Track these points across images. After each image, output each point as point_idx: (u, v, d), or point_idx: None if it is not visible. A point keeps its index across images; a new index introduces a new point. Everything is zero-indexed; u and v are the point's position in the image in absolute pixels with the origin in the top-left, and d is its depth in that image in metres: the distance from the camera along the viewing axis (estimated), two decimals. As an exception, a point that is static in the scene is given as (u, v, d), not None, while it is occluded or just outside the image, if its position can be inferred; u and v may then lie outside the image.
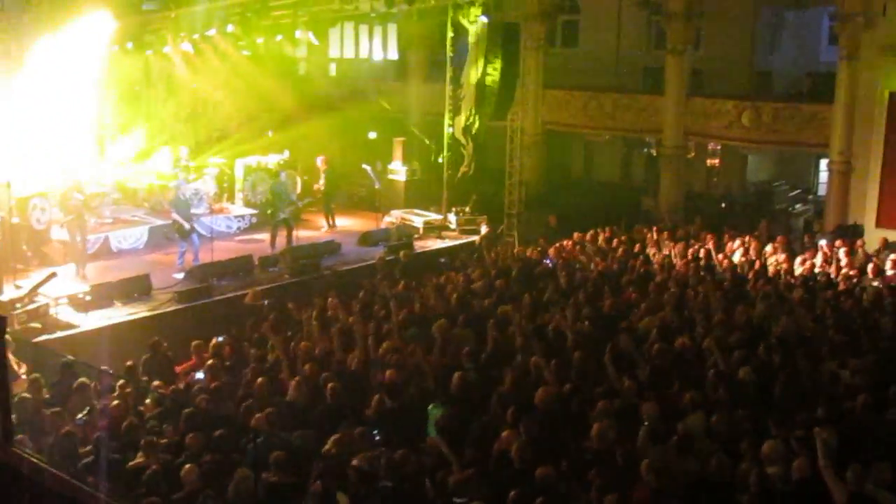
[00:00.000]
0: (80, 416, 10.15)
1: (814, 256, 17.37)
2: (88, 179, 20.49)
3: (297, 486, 8.04)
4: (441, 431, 8.77)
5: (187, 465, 8.14)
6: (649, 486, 7.68)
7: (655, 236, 19.38)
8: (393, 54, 33.08)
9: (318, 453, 8.43)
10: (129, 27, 20.54)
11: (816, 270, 16.49)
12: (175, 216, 18.20)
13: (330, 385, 10.05)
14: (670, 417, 9.05)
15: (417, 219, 22.76)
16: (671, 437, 8.56)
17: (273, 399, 10.16)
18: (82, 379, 10.70)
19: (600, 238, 19.33)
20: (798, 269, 16.64)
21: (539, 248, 18.81)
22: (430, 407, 9.56)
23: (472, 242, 21.43)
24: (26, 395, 10.35)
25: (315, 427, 9.31)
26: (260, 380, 10.52)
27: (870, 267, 16.19)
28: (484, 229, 22.39)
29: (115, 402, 10.09)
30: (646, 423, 8.73)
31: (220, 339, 12.94)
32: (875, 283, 15.46)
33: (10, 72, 18.86)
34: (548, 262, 17.57)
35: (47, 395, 10.79)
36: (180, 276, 17.57)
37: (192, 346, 12.36)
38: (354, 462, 8.07)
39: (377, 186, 22.94)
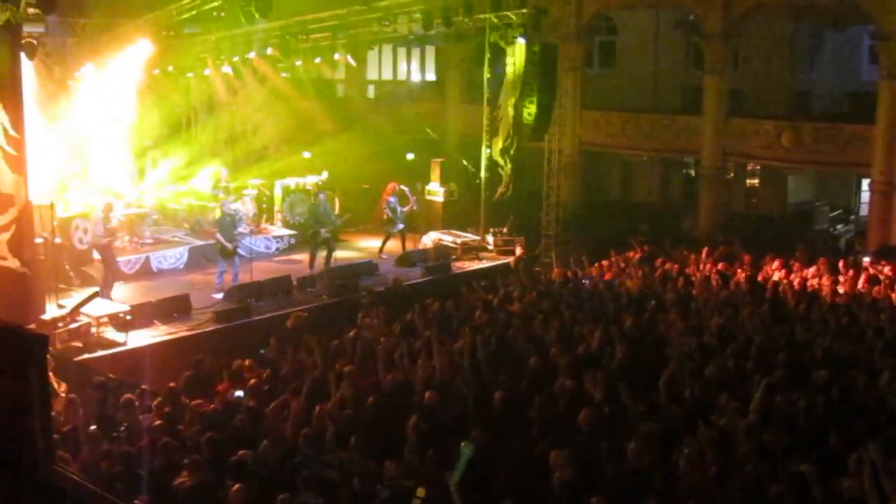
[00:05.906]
0: (116, 433, 10.16)
1: (856, 277, 17.10)
2: (130, 201, 20.76)
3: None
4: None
5: (235, 486, 8.12)
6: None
7: (695, 257, 19.16)
8: (431, 76, 33.28)
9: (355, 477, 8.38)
10: (170, 51, 20.80)
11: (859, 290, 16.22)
12: (218, 236, 18.32)
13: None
14: (717, 442, 8.90)
15: (455, 240, 22.76)
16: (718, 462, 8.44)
17: (311, 420, 10.12)
18: (128, 395, 10.73)
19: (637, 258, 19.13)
20: (840, 291, 16.38)
21: (577, 269, 18.68)
22: (462, 445, 9.07)
23: (509, 264, 21.35)
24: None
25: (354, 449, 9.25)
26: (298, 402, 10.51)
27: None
28: (518, 251, 22.31)
29: (157, 421, 10.11)
30: (686, 451, 8.56)
31: (262, 351, 13.03)
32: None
33: (53, 95, 19.15)
34: (585, 281, 17.45)
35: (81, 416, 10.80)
36: (219, 296, 17.67)
37: (230, 370, 12.22)
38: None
39: (415, 208, 22.98)
